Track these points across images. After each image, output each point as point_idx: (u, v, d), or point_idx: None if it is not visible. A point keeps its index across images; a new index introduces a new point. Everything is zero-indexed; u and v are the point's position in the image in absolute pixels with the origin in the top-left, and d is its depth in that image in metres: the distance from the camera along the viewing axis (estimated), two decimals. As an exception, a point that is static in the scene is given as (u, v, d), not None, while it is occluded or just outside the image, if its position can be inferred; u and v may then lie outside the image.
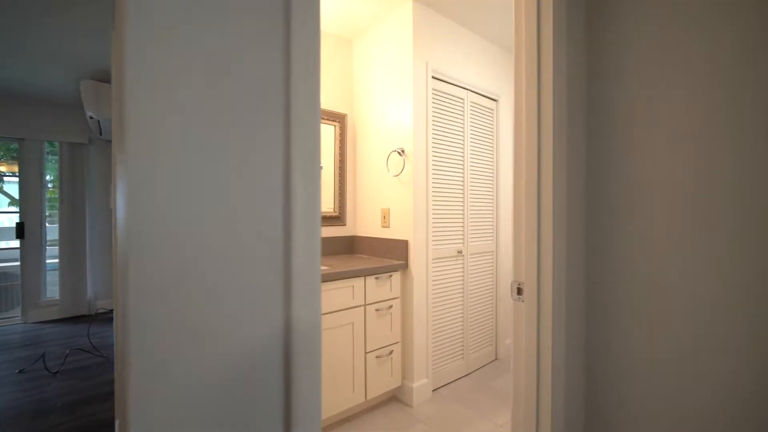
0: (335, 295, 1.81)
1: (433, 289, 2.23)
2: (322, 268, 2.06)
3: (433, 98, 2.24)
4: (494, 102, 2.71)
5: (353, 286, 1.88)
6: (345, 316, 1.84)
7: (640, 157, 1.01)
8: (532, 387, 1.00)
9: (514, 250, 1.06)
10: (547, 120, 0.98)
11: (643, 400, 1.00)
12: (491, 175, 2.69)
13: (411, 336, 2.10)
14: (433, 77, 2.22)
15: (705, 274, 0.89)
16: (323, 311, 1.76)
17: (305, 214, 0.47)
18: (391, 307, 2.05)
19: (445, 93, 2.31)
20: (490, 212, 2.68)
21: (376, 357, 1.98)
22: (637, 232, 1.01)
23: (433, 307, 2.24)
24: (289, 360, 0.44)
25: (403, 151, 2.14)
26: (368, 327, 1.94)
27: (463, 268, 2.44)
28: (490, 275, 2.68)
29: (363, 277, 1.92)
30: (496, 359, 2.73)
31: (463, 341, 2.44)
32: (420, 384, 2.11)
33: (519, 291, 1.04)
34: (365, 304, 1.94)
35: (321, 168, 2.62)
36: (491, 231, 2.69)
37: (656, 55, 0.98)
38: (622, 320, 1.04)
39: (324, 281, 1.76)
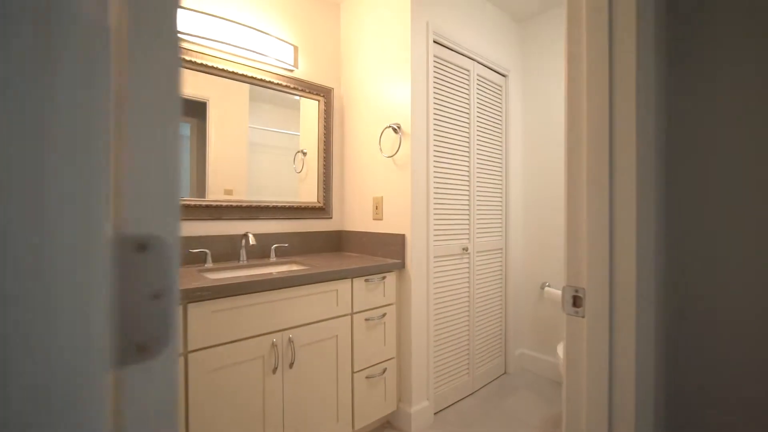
0: (314, 302, 1.44)
1: (434, 293, 1.87)
2: (297, 267, 1.70)
3: (435, 67, 1.88)
4: (503, 78, 2.37)
5: (337, 291, 1.52)
6: (326, 328, 1.47)
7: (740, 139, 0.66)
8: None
9: (567, 244, 0.70)
10: (626, 64, 0.62)
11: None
12: (500, 161, 2.34)
13: (409, 350, 1.74)
14: (434, 41, 1.87)
15: None
16: (299, 322, 1.39)
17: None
18: (384, 315, 1.69)
19: (448, 62, 1.96)
20: (499, 204, 2.33)
21: (366, 377, 1.61)
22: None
23: (435, 315, 1.88)
24: None
25: (399, 127, 1.78)
26: (356, 341, 1.58)
27: (469, 267, 2.08)
28: (499, 276, 2.33)
29: (349, 279, 1.56)
30: (505, 373, 2.38)
31: (468, 354, 2.08)
32: (419, 408, 1.75)
33: (576, 301, 0.68)
34: (352, 313, 1.57)
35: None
36: (500, 225, 2.34)
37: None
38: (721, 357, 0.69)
39: (300, 284, 1.39)
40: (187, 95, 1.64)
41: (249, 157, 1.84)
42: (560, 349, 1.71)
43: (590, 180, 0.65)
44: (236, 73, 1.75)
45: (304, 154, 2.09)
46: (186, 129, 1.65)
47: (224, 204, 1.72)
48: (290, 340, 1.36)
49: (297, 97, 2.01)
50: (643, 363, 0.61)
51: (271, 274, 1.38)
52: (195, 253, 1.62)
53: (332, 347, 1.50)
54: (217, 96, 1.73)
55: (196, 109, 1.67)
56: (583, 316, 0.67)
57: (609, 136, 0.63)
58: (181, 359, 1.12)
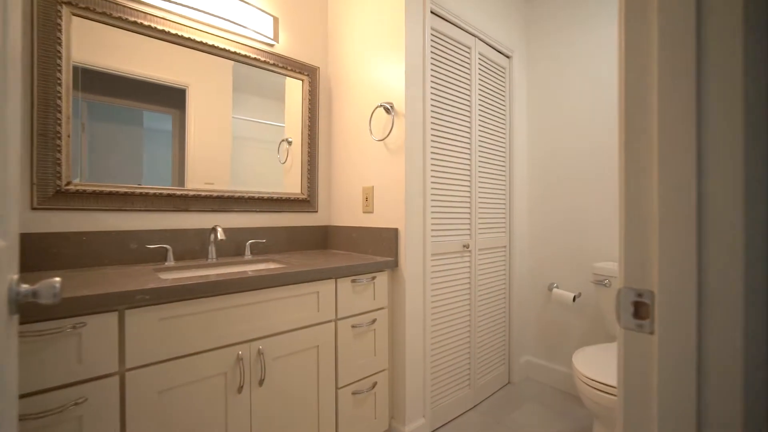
0: (291, 307, 1.22)
1: (432, 295, 1.66)
2: (274, 266, 1.48)
3: (433, 42, 1.67)
4: (507, 59, 2.16)
5: (318, 293, 1.30)
6: (305, 336, 1.25)
7: None
8: None
9: (623, 228, 0.49)
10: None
11: None
12: (503, 150, 2.13)
13: (402, 360, 1.53)
14: (432, 12, 1.66)
15: None
16: (271, 331, 1.17)
17: None
18: (374, 321, 1.47)
19: (447, 37, 1.75)
20: (502, 196, 2.12)
21: (353, 393, 1.39)
22: None
23: (433, 319, 1.66)
24: None
25: (391, 107, 1.56)
26: (341, 351, 1.36)
27: (470, 267, 1.87)
28: (503, 276, 2.12)
29: (333, 280, 1.34)
30: (509, 383, 2.17)
31: (469, 363, 1.87)
32: (415, 426, 1.53)
33: (639, 310, 0.47)
34: (336, 319, 1.35)
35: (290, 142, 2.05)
36: (503, 220, 2.13)
37: None
38: None
39: (273, 286, 1.17)
40: (164, 80, 1.44)
41: (233, 149, 1.65)
42: (577, 360, 1.49)
43: (664, 129, 0.44)
44: (205, 44, 1.52)
45: (289, 143, 1.88)
46: (167, 122, 1.46)
47: (191, 194, 1.50)
48: (260, 353, 1.14)
49: (282, 78, 1.79)
50: (753, 405, 0.40)
51: (243, 273, 1.16)
52: (153, 250, 1.39)
53: (312, 359, 1.28)
54: (196, 82, 1.54)
55: (177, 99, 1.49)
56: (651, 332, 0.46)
57: (696, 56, 0.41)
58: (117, 379, 0.89)
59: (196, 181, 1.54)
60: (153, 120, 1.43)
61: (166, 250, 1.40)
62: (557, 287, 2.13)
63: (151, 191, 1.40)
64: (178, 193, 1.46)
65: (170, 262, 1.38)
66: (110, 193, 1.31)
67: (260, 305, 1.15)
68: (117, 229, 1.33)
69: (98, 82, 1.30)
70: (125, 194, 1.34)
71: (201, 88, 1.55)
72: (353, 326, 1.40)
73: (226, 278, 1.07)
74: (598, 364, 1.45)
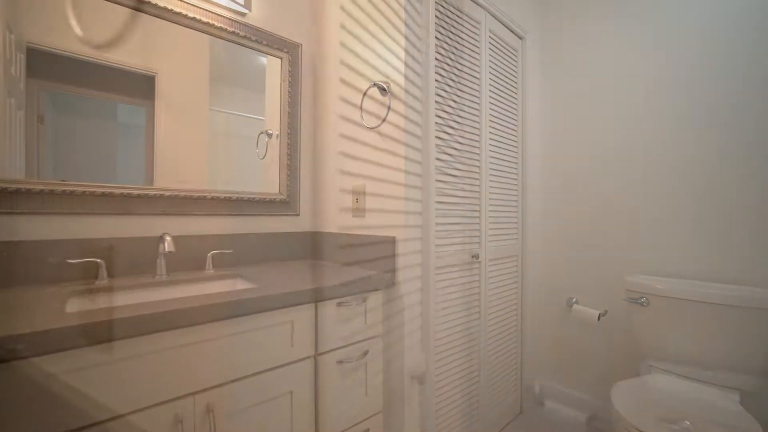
0: (254, 343, 0.92)
1: (437, 317, 1.36)
2: (240, 284, 1.17)
3: (437, 12, 1.38)
4: (519, 41, 1.89)
5: (293, 322, 0.99)
6: (274, 380, 0.95)
7: None
8: None
9: None
10: None
11: None
12: (515, 144, 1.85)
13: (401, 400, 1.23)
14: (436, -25, 1.37)
15: None
16: (225, 378, 0.86)
17: None
18: (365, 353, 1.17)
19: (453, 8, 1.46)
20: (514, 198, 1.84)
21: (338, 448, 1.09)
22: None
23: (438, 346, 1.37)
24: None
25: (388, 87, 1.27)
26: (323, 395, 1.06)
27: (480, 281, 1.58)
28: (515, 290, 1.83)
29: (313, 304, 1.04)
30: (521, 413, 1.88)
31: (479, 394, 1.58)
32: (415, 482, 1.23)
33: None
34: (316, 354, 1.05)
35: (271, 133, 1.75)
36: (515, 225, 1.85)
37: None
38: None
39: (234, 316, 0.87)
40: (129, 65, 1.19)
41: (211, 145, 1.40)
42: (618, 401, 1.20)
43: None
44: (152, 4, 1.22)
45: (269, 135, 1.58)
46: (140, 115, 1.21)
47: (135, 193, 1.19)
48: (209, 409, 0.83)
49: (262, 63, 1.50)
50: None
51: (192, 299, 0.86)
52: (81, 265, 1.08)
53: (284, 410, 0.97)
54: (167, 67, 1.27)
55: (147, 89, 1.24)
56: None
57: None
58: (-30, 474, 0.58)
59: (167, 181, 1.27)
60: (128, 114, 1.21)
61: (98, 265, 1.08)
62: (577, 303, 1.85)
63: (79, 189, 1.09)
64: (117, 192, 1.15)
65: (102, 281, 1.07)
66: (18, 191, 0.99)
67: (210, 344, 0.84)
68: (29, 238, 1.02)
69: (57, 68, 1.07)
70: (41, 192, 1.03)
71: (172, 74, 1.29)
72: (339, 362, 1.10)
73: (156, 312, 0.76)
74: (651, 411, 1.16)
